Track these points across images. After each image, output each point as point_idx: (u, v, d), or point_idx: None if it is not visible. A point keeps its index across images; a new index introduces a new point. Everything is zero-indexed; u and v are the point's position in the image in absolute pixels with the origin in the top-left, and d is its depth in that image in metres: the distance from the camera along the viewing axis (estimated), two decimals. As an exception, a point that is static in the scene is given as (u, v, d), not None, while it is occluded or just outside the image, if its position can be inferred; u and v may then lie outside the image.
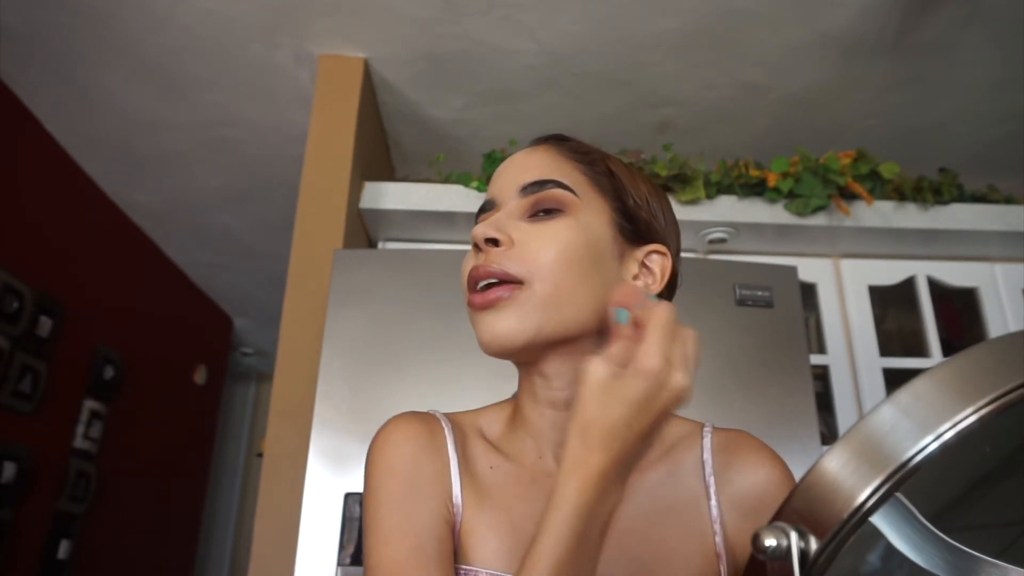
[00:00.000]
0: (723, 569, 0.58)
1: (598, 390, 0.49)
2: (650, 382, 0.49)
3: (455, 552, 0.59)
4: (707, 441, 0.63)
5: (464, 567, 0.58)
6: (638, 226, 0.64)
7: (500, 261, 0.58)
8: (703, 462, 0.62)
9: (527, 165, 0.64)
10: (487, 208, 0.64)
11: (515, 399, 0.67)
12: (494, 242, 0.59)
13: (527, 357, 0.61)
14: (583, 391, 0.50)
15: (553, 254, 0.58)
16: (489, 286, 0.58)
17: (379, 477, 0.60)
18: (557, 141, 0.67)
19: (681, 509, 0.60)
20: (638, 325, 0.51)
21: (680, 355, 0.50)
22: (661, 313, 0.51)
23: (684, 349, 0.51)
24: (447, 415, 0.67)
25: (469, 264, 0.61)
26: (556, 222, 0.59)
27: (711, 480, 0.61)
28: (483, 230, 0.59)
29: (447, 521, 0.59)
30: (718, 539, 0.59)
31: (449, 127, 2.11)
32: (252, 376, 4.20)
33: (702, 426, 0.65)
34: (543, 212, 0.60)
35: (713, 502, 0.60)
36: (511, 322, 0.56)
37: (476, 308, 0.58)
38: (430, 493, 0.60)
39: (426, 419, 0.65)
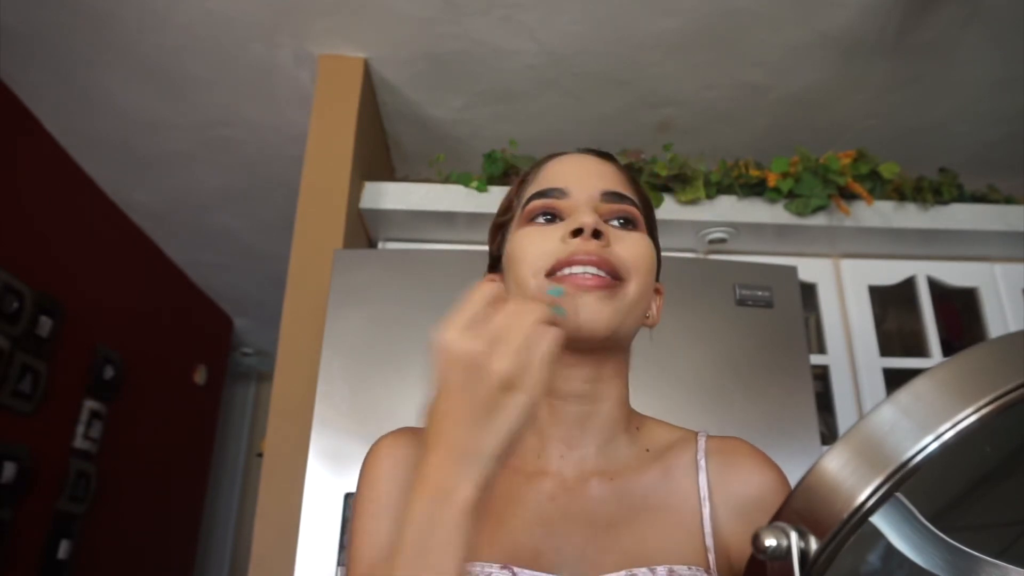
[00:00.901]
0: (711, 561, 0.59)
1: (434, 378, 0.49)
2: (452, 365, 0.46)
3: None
4: (701, 444, 0.65)
5: None
6: (657, 261, 0.69)
7: (606, 255, 0.59)
8: (697, 465, 0.63)
9: (603, 173, 0.66)
10: (553, 195, 0.64)
11: None
12: (597, 235, 0.60)
13: (590, 346, 0.62)
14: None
15: (645, 262, 0.62)
16: (587, 275, 0.59)
17: (358, 496, 0.63)
18: (618, 164, 0.69)
19: (673, 509, 0.61)
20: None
21: (501, 336, 0.46)
22: (476, 289, 0.49)
23: (510, 329, 0.46)
24: None
25: (552, 247, 0.60)
26: (638, 234, 0.64)
27: (703, 482, 0.62)
28: (593, 219, 0.59)
29: None
30: (708, 537, 0.60)
31: (449, 127, 2.11)
32: (252, 376, 4.20)
33: (696, 433, 0.67)
34: (624, 221, 0.64)
35: (706, 503, 0.61)
36: (610, 312, 0.59)
37: (587, 288, 0.58)
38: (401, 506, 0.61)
39: (413, 435, 0.65)
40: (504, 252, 0.68)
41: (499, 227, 0.71)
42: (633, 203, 0.65)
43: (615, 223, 0.63)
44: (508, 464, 0.63)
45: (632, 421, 0.67)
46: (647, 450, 0.65)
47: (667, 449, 0.65)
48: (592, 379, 0.63)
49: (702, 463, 0.63)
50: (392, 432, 0.67)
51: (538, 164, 0.70)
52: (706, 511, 0.61)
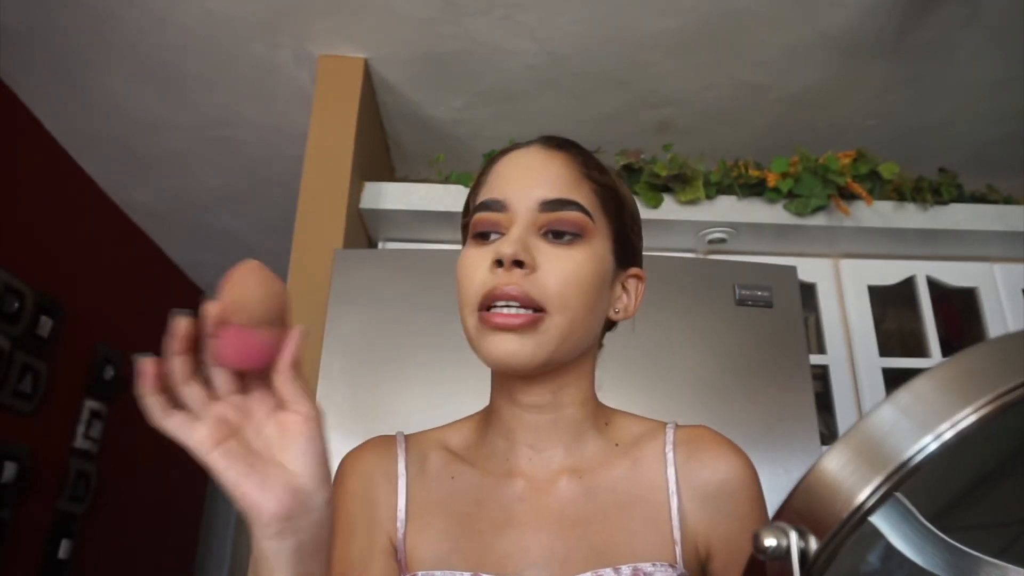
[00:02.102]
0: (678, 554, 0.60)
1: None
2: None
3: (406, 563, 0.62)
4: (669, 436, 0.66)
5: (419, 574, 0.60)
6: (627, 249, 0.67)
7: (524, 286, 0.58)
8: (665, 456, 0.64)
9: (546, 176, 0.62)
10: (493, 207, 0.62)
11: (484, 409, 0.70)
12: (519, 264, 0.58)
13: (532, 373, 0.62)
14: None
15: (574, 286, 0.59)
16: (506, 306, 0.58)
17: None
18: (574, 152, 0.65)
19: (641, 501, 0.62)
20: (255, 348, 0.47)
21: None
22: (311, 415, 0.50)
23: None
24: (411, 436, 0.69)
25: (483, 278, 0.59)
26: (575, 250, 0.60)
27: (671, 472, 0.63)
28: (512, 250, 0.58)
29: (383, 549, 0.62)
30: (675, 529, 0.61)
31: (449, 127, 2.11)
32: (252, 376, 4.20)
33: (664, 424, 0.68)
34: (561, 234, 0.60)
35: (673, 493, 0.62)
36: (527, 348, 0.58)
37: (494, 327, 0.58)
38: (365, 524, 0.63)
39: (380, 445, 0.68)
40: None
41: (463, 228, 0.70)
42: (577, 207, 0.61)
43: (551, 236, 0.60)
44: (478, 467, 0.65)
45: (600, 417, 0.67)
46: (616, 445, 0.66)
47: (635, 442, 0.66)
48: (552, 391, 0.63)
49: (670, 455, 0.64)
50: (358, 447, 0.68)
51: (490, 162, 0.68)
52: (674, 503, 0.62)
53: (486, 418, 0.68)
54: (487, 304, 0.58)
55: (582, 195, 0.62)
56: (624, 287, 0.67)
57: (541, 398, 0.63)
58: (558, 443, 0.64)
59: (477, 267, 0.60)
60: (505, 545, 0.60)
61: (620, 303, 0.66)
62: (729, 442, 0.65)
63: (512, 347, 0.57)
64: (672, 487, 0.62)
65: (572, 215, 0.60)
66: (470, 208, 0.67)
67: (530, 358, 0.58)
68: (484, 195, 0.64)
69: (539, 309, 0.58)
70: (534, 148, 0.65)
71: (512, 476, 0.63)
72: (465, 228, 0.69)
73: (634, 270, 0.68)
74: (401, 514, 0.63)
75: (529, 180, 0.62)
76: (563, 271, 0.59)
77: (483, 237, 0.62)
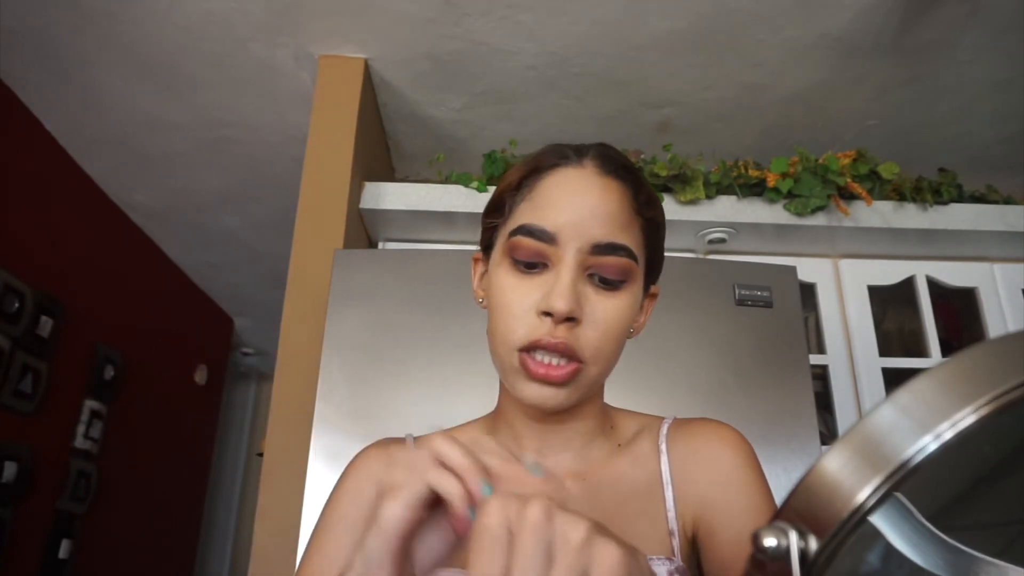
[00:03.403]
0: (675, 545, 0.61)
1: None
2: None
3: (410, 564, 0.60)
4: (664, 429, 0.67)
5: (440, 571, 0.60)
6: (654, 272, 0.67)
7: (570, 339, 0.58)
8: (659, 449, 0.65)
9: (602, 213, 0.60)
10: (542, 238, 0.59)
11: (491, 414, 0.70)
12: (572, 319, 0.58)
13: None
14: None
15: (612, 338, 0.60)
16: (548, 356, 0.59)
17: (324, 506, 0.66)
18: (629, 181, 0.63)
19: (640, 495, 0.63)
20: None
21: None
22: (533, 516, 0.37)
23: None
24: (420, 439, 0.68)
25: (530, 324, 0.59)
26: (617, 298, 0.60)
27: (664, 465, 0.64)
28: (567, 308, 0.57)
29: None
30: (671, 520, 0.62)
31: (449, 127, 2.11)
32: (252, 376, 4.20)
33: (662, 419, 0.69)
34: (607, 280, 0.60)
35: (667, 484, 0.63)
36: (562, 396, 0.59)
37: (536, 378, 0.58)
38: (353, 522, 0.63)
39: (389, 447, 0.68)
40: (490, 286, 0.64)
41: (490, 229, 0.67)
42: (627, 253, 0.60)
43: (597, 280, 0.60)
44: (490, 465, 0.64)
45: (607, 422, 0.68)
46: (619, 445, 0.67)
47: (634, 439, 0.67)
48: (567, 409, 0.64)
49: (663, 447, 0.65)
50: (371, 447, 0.69)
51: (536, 169, 0.64)
52: (668, 495, 0.63)
53: (493, 423, 0.69)
54: (528, 349, 0.59)
55: (632, 236, 0.61)
56: (642, 307, 0.67)
57: (556, 416, 0.64)
58: (567, 450, 0.65)
59: (521, 304, 0.60)
60: None
61: (637, 323, 0.66)
62: (728, 430, 0.66)
63: (548, 394, 0.59)
64: (666, 478, 0.64)
65: (622, 262, 0.60)
66: (504, 211, 0.64)
67: (563, 403, 0.60)
68: (531, 218, 0.61)
69: (578, 359, 0.59)
70: (590, 170, 0.62)
71: (519, 480, 0.63)
72: (490, 230, 0.67)
73: (653, 288, 0.68)
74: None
75: (584, 214, 0.59)
76: (605, 322, 0.59)
77: (527, 266, 0.60)
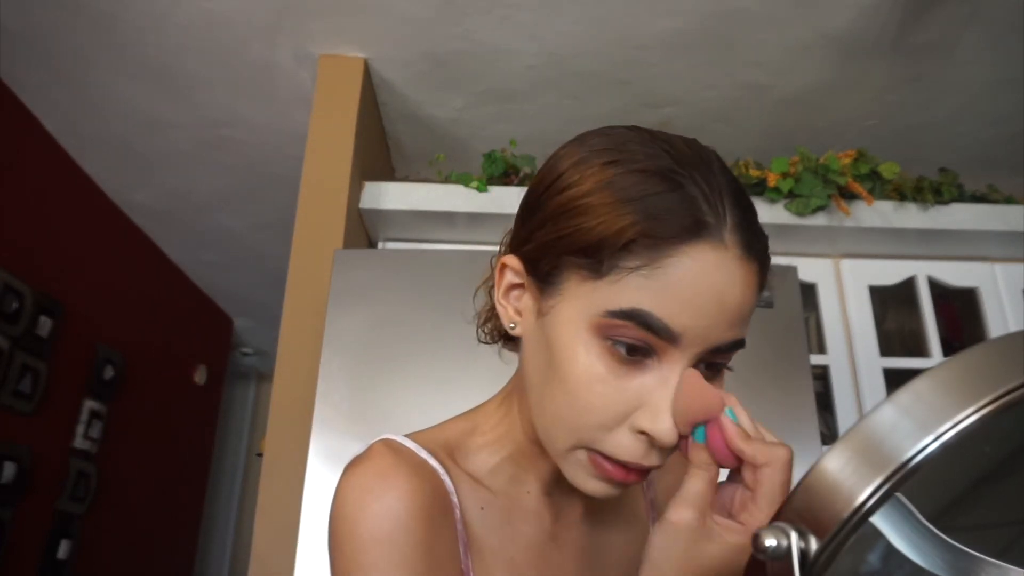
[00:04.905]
0: None
1: (677, 545, 0.44)
2: (745, 552, 0.40)
3: None
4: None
5: None
6: None
7: (656, 464, 0.49)
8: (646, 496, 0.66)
9: (736, 313, 0.48)
10: (662, 334, 0.46)
11: (497, 428, 0.63)
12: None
13: None
14: (658, 541, 0.45)
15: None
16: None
17: (356, 564, 0.49)
18: (764, 260, 0.51)
19: (625, 515, 0.63)
20: (718, 451, 0.45)
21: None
22: (782, 459, 0.45)
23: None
24: (433, 453, 0.56)
25: (626, 443, 0.48)
26: (715, 384, 0.53)
27: (646, 481, 0.63)
28: (673, 441, 0.47)
29: None
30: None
31: (449, 127, 2.11)
32: (252, 376, 4.20)
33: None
34: (712, 366, 0.51)
35: (649, 501, 0.64)
36: (617, 492, 0.52)
37: (605, 477, 0.50)
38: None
39: (422, 474, 0.53)
40: (556, 344, 0.50)
41: (553, 251, 0.51)
42: (740, 344, 0.51)
43: (701, 367, 0.50)
44: (497, 493, 0.59)
45: None
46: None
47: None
48: None
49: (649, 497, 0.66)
50: (393, 475, 0.51)
51: (663, 238, 0.46)
52: (649, 511, 0.64)
53: (502, 441, 0.61)
54: (609, 457, 0.49)
55: (744, 330, 0.51)
56: None
57: None
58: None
59: (612, 407, 0.48)
60: (521, 571, 0.58)
61: None
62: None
63: (614, 491, 0.51)
64: (649, 496, 0.65)
65: (734, 353, 0.51)
66: (600, 263, 0.47)
67: (611, 495, 0.52)
68: (652, 305, 0.46)
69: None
70: (733, 253, 0.47)
71: (535, 514, 0.60)
72: (554, 254, 0.50)
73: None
74: (467, 567, 0.54)
75: (719, 319, 0.47)
76: None
77: (627, 350, 0.47)
